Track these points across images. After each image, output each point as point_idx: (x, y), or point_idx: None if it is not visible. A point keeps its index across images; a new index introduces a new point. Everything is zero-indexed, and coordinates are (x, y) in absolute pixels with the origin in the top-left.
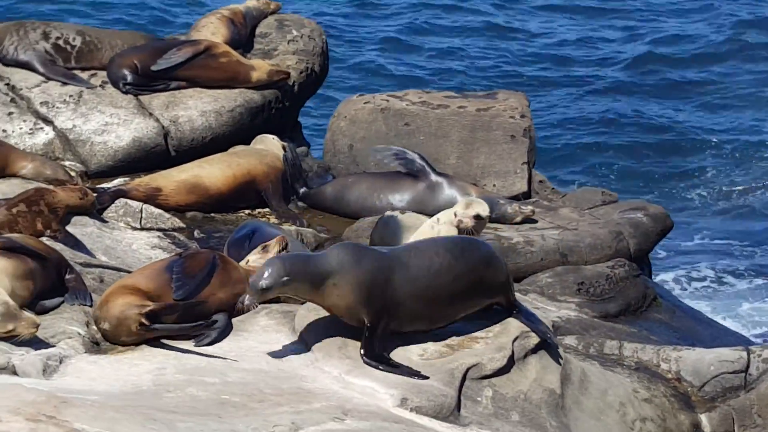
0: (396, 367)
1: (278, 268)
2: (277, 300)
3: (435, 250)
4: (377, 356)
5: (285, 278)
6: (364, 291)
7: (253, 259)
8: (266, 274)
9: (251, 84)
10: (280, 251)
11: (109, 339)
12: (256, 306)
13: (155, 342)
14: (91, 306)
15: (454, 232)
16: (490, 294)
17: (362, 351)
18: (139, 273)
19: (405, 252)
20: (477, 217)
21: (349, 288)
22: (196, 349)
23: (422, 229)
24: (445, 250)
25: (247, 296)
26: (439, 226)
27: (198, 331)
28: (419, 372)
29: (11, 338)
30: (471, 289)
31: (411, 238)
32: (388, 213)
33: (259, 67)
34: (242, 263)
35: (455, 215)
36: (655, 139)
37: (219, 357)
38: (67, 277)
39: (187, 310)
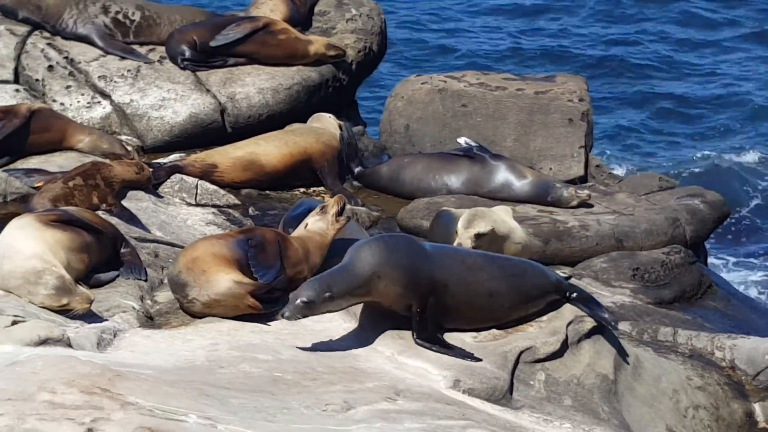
0: (449, 349)
1: (320, 283)
2: None
3: (464, 251)
4: (430, 338)
5: (327, 294)
6: (407, 274)
7: (312, 221)
8: (308, 288)
9: (309, 59)
10: (338, 211)
11: (195, 308)
12: (298, 318)
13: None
14: (146, 280)
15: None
16: (541, 296)
17: (414, 333)
18: (218, 242)
19: (439, 246)
20: (477, 235)
21: (395, 274)
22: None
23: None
24: (475, 254)
25: (287, 309)
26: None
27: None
28: (472, 354)
29: (65, 312)
30: (512, 292)
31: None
32: (444, 209)
33: (316, 41)
34: (300, 227)
35: (456, 233)
36: (715, 124)
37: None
38: (123, 250)
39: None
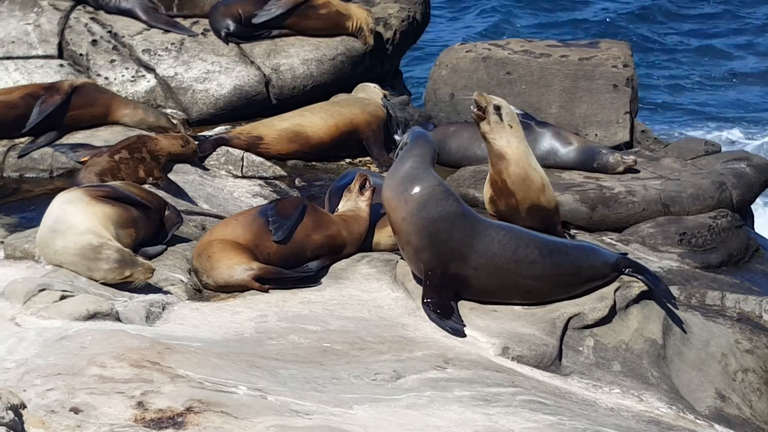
0: (443, 320)
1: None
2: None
3: (527, 240)
4: (438, 305)
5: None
6: (428, 235)
7: (341, 205)
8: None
9: (349, 31)
10: (360, 188)
11: (213, 290)
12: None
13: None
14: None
15: None
16: (593, 280)
17: (424, 296)
18: (234, 222)
19: (497, 226)
20: (496, 107)
21: (418, 225)
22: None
23: None
24: (535, 245)
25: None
26: None
27: (301, 287)
28: (462, 330)
29: (126, 284)
30: (554, 291)
31: None
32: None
33: (357, 15)
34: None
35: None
36: (761, 90)
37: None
38: (167, 214)
39: (289, 269)
